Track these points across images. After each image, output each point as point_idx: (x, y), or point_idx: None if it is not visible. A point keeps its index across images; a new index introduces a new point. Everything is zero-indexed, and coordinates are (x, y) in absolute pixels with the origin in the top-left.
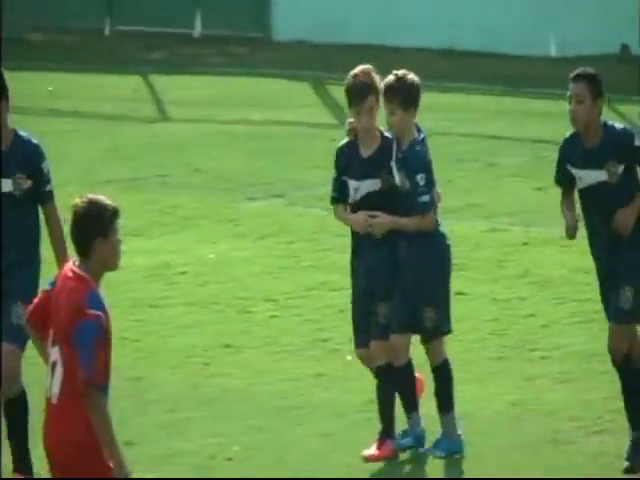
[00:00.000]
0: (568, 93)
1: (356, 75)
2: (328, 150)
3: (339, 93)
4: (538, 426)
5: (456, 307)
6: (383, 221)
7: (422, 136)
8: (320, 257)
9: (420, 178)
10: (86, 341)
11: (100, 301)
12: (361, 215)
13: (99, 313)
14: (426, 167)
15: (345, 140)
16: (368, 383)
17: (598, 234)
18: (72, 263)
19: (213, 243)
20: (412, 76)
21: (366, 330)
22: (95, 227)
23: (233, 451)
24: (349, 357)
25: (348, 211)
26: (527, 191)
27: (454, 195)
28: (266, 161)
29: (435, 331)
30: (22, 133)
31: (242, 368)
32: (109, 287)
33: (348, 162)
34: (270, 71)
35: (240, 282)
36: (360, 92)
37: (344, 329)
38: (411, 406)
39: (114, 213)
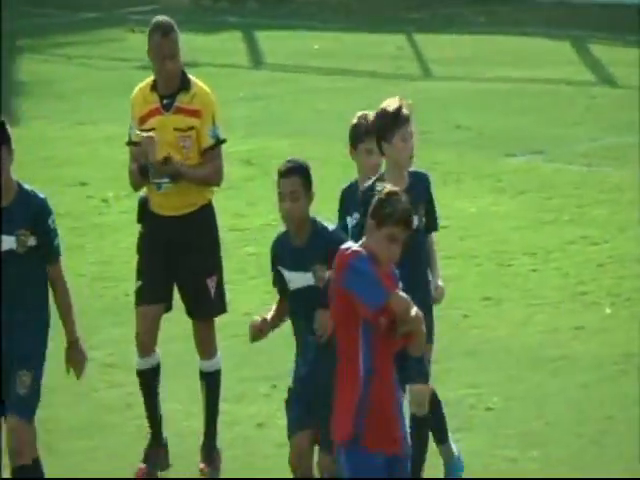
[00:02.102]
0: (278, 190)
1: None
2: (588, 107)
3: (599, 52)
4: None
5: None
6: None
7: None
8: (579, 212)
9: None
10: None
11: None
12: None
13: None
14: None
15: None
16: (626, 335)
17: (306, 344)
18: None
19: (474, 198)
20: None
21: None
22: None
23: (493, 401)
24: (608, 310)
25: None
26: None
27: None
28: (525, 118)
29: None
30: (26, 187)
31: (501, 320)
32: None
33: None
34: (531, 30)
35: (500, 236)
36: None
37: (603, 283)
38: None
39: None
